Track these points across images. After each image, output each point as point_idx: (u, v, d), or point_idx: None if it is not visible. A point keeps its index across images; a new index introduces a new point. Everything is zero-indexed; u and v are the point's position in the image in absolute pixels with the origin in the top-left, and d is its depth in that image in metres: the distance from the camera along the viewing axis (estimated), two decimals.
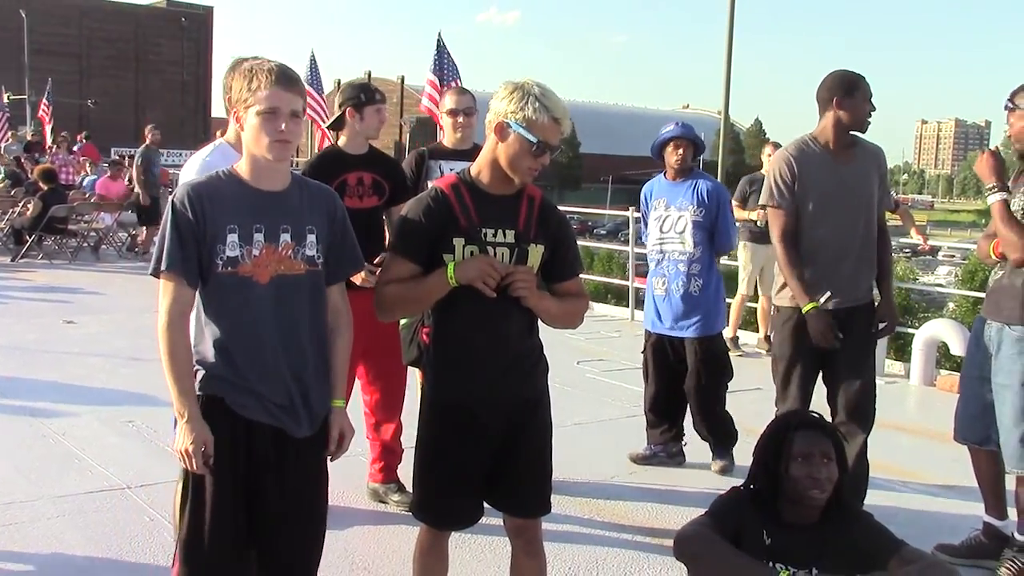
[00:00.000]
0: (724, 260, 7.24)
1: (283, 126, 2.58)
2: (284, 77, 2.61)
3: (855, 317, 4.34)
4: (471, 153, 4.91)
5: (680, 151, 5.47)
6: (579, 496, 4.91)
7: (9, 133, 22.10)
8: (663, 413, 5.68)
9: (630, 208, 11.12)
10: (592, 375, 7.96)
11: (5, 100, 20.46)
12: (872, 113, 4.30)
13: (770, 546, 2.76)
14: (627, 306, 11.53)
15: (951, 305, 17.94)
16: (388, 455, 4.75)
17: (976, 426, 4.26)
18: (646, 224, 5.73)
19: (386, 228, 4.69)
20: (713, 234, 5.43)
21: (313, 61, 14.22)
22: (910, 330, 9.43)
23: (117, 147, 32.92)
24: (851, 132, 4.33)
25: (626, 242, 15.85)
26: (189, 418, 2.61)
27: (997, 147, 4.32)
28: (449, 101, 4.94)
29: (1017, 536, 4.13)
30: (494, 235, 2.86)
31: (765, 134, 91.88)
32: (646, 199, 5.73)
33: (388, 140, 59.07)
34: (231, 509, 2.68)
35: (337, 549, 4.11)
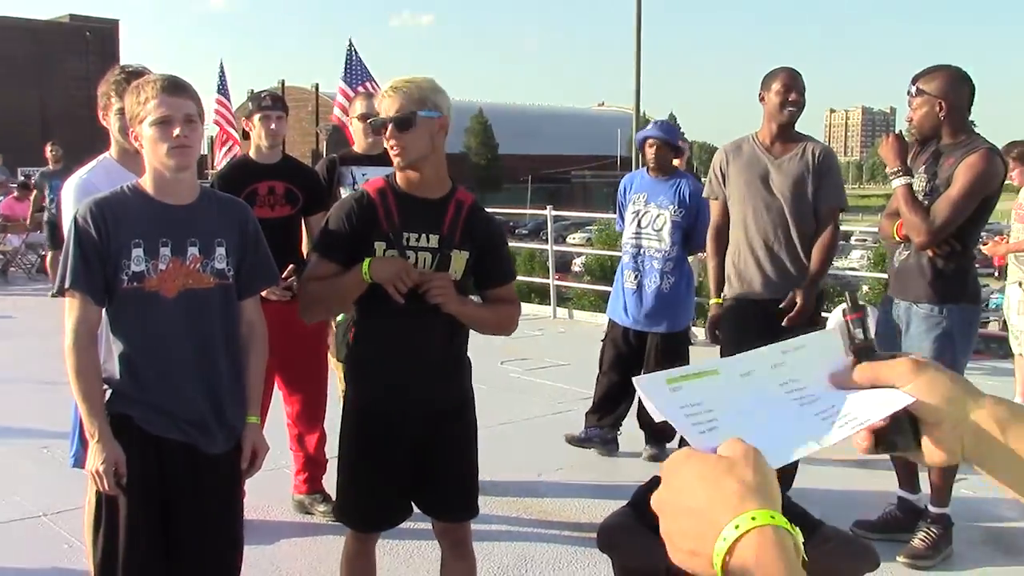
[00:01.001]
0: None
1: (177, 131, 2.55)
2: (171, 85, 2.59)
3: (796, 306, 4.48)
4: (383, 158, 4.89)
5: (652, 149, 5.64)
6: (506, 495, 4.93)
7: None
8: (611, 403, 5.79)
9: (548, 207, 11.19)
10: (516, 374, 7.99)
11: None
12: (790, 103, 4.48)
13: None
14: (549, 304, 11.59)
15: (865, 288, 18.38)
16: (312, 466, 4.71)
17: None
18: (622, 217, 5.85)
19: (304, 238, 4.67)
20: (690, 234, 5.56)
21: (222, 70, 14.05)
22: (824, 314, 9.66)
23: (24, 167, 31.92)
24: (784, 126, 4.52)
25: (547, 241, 15.93)
26: (100, 438, 2.57)
27: (901, 131, 4.45)
28: (359, 106, 4.92)
29: (931, 508, 4.27)
30: (417, 239, 2.85)
31: (680, 128, 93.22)
32: (625, 190, 5.85)
33: (305, 148, 58.35)
34: (145, 529, 2.64)
35: (263, 564, 4.07)
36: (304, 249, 4.68)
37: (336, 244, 2.89)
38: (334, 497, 4.64)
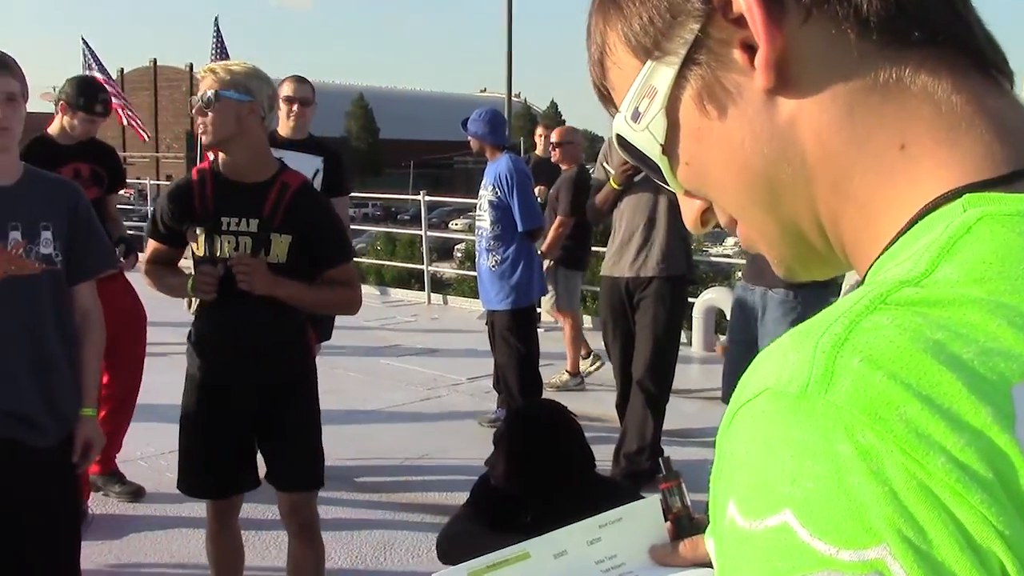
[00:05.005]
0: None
1: None
2: None
3: (647, 289, 4.83)
4: (305, 144, 4.82)
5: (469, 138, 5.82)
6: (369, 483, 4.89)
7: None
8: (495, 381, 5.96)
9: (421, 192, 11.13)
10: (386, 361, 7.93)
11: None
12: None
13: (531, 524, 2.76)
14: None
15: (738, 274, 18.85)
16: (107, 446, 4.55)
17: None
18: None
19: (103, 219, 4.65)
20: (509, 213, 5.60)
21: (86, 47, 13.51)
22: (690, 299, 9.90)
23: None
24: None
25: (429, 227, 15.80)
26: None
27: None
28: (286, 88, 4.85)
29: None
30: (238, 224, 2.91)
31: (561, 116, 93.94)
32: None
33: (179, 129, 56.80)
34: None
35: None
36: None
37: (162, 226, 3.03)
38: (128, 478, 4.66)
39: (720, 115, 0.59)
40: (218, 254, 2.91)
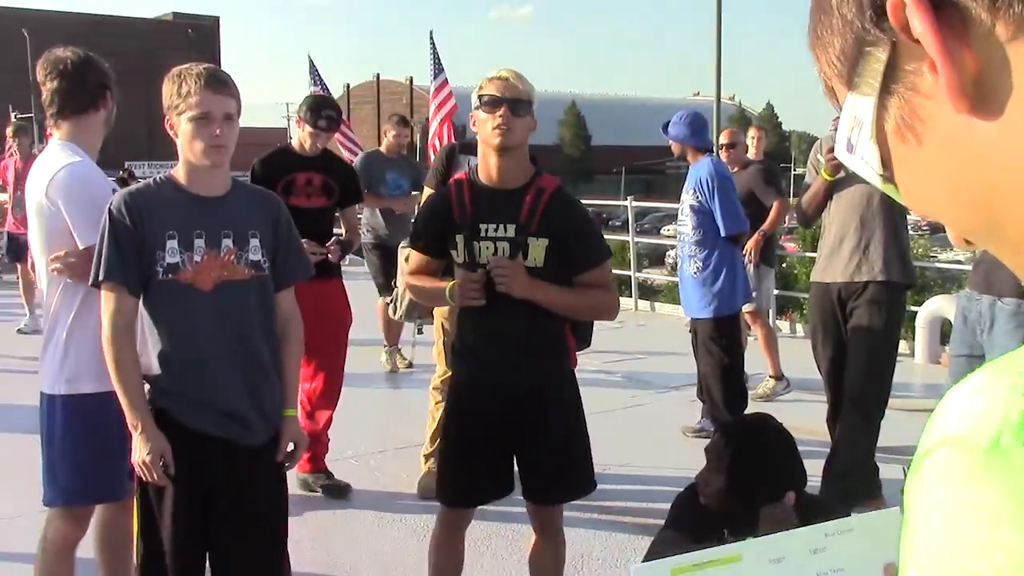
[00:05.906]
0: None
1: (217, 131, 2.55)
2: (214, 80, 2.57)
3: (861, 296, 4.52)
4: None
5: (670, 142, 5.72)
6: None
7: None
8: (700, 392, 5.82)
9: (628, 198, 11.06)
10: (591, 367, 7.88)
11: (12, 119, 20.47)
12: None
13: (729, 542, 2.65)
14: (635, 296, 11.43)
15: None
16: (316, 445, 4.69)
17: None
18: None
19: (343, 228, 4.97)
20: (711, 217, 5.46)
21: (312, 65, 14.28)
22: (914, 308, 9.31)
23: (130, 160, 33.28)
24: None
25: (640, 232, 15.68)
26: (143, 429, 2.59)
27: None
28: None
29: None
30: (495, 230, 2.95)
31: (778, 118, 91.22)
32: None
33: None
34: (189, 521, 2.65)
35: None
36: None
37: (424, 238, 3.13)
38: (335, 476, 4.82)
39: (923, 144, 0.53)
40: (478, 260, 2.96)
